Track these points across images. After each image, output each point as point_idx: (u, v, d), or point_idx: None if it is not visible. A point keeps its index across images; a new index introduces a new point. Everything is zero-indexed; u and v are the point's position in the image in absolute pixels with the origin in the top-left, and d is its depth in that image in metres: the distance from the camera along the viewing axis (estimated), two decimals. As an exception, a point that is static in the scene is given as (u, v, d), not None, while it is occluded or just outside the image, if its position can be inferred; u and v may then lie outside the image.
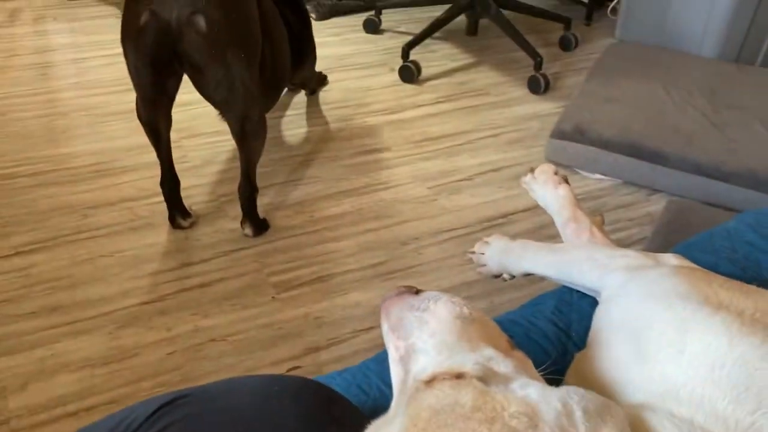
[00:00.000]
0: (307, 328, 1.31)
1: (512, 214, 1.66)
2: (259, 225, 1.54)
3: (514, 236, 1.55)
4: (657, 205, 1.70)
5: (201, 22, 1.16)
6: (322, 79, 2.16)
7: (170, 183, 1.50)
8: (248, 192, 1.50)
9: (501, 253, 0.88)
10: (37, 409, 1.13)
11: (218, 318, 1.32)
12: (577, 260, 0.73)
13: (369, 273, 1.46)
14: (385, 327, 0.56)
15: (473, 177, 1.80)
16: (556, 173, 0.93)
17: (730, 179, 1.66)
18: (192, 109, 1.87)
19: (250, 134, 1.38)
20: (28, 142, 1.81)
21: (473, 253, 0.95)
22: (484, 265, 0.93)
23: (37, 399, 1.14)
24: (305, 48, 1.84)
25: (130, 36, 1.22)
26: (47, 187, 1.64)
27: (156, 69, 1.24)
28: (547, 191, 0.90)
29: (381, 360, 0.70)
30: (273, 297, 1.38)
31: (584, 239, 0.81)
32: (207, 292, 1.38)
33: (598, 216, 0.90)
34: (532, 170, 0.97)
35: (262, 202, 1.62)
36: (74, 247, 1.46)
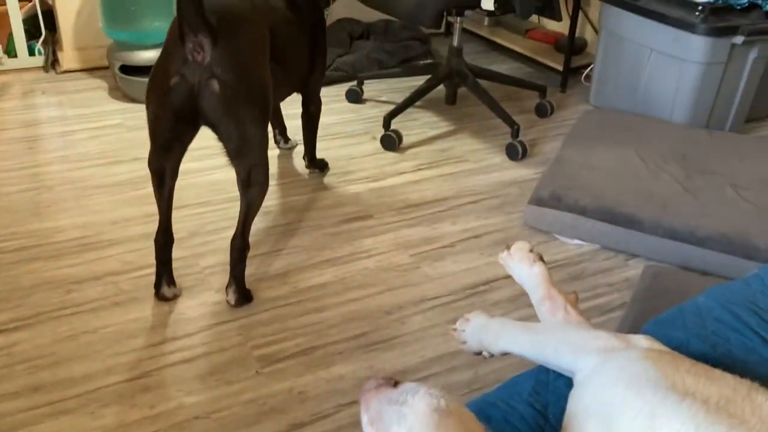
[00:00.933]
0: (292, 402, 1.31)
1: (494, 281, 1.68)
2: (243, 293, 1.56)
3: (496, 303, 1.59)
4: (635, 269, 1.73)
5: (215, 84, 1.37)
6: (323, 165, 2.19)
7: (165, 237, 1.54)
8: (241, 246, 1.54)
9: (480, 331, 0.90)
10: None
11: (202, 394, 1.32)
12: (552, 341, 0.75)
13: (352, 344, 1.47)
14: (364, 419, 0.57)
15: (455, 244, 1.83)
16: (531, 250, 0.96)
17: (704, 244, 1.70)
18: (179, 180, 1.89)
19: (254, 183, 1.50)
20: (13, 216, 1.83)
21: (455, 329, 0.97)
22: (465, 342, 0.95)
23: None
24: (316, 60, 1.95)
25: (158, 93, 1.41)
26: (31, 263, 1.65)
27: (176, 121, 1.42)
28: (523, 269, 0.93)
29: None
30: (257, 371, 1.38)
31: (559, 317, 0.84)
32: (191, 367, 1.38)
33: (572, 294, 0.93)
34: (508, 247, 1.00)
35: (246, 272, 1.64)
36: (57, 324, 1.46)
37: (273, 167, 2.16)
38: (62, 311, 1.50)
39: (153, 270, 1.55)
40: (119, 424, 1.24)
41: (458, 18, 2.35)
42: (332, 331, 1.50)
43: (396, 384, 0.59)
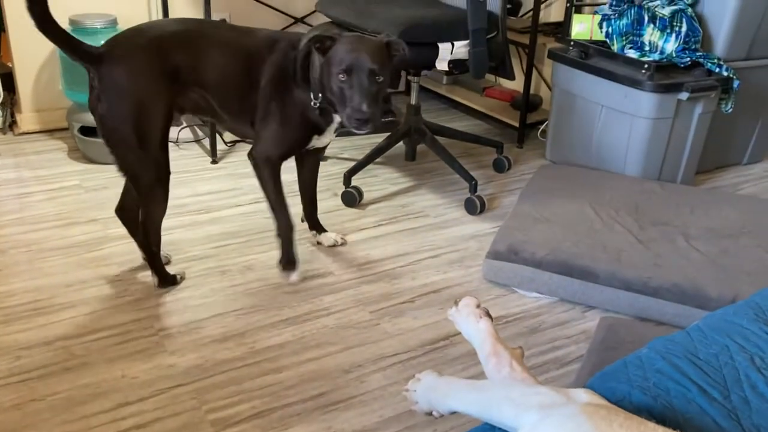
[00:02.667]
0: (246, 468, 1.28)
1: (454, 335, 1.68)
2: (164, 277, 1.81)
3: (456, 359, 1.59)
4: (592, 321, 1.75)
5: (96, 116, 1.64)
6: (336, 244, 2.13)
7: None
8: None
9: (429, 391, 0.90)
10: None
11: (153, 462, 1.28)
12: (496, 399, 0.75)
13: (310, 405, 1.44)
14: None
15: (414, 299, 1.83)
16: (478, 306, 0.97)
17: (657, 294, 1.73)
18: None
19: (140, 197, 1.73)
20: (-37, 281, 1.79)
21: (407, 390, 0.97)
22: (417, 403, 0.94)
23: None
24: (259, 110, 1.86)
25: None
26: (-21, 329, 1.61)
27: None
28: (470, 325, 0.94)
29: None
30: (211, 436, 1.35)
31: (504, 373, 0.84)
32: (142, 434, 1.34)
33: (518, 348, 0.94)
34: (456, 303, 1.01)
35: (201, 335, 1.62)
36: (3, 392, 1.42)
37: (232, 226, 2.16)
38: (9, 378, 1.45)
39: (107, 333, 1.52)
40: (64, 497, 1.19)
41: (415, 77, 2.41)
42: (290, 392, 1.48)
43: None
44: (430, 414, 0.94)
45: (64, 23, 2.51)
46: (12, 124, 2.79)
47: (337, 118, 1.75)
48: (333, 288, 1.87)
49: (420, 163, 2.70)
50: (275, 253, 2.02)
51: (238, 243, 2.07)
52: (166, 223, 1.77)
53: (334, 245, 2.08)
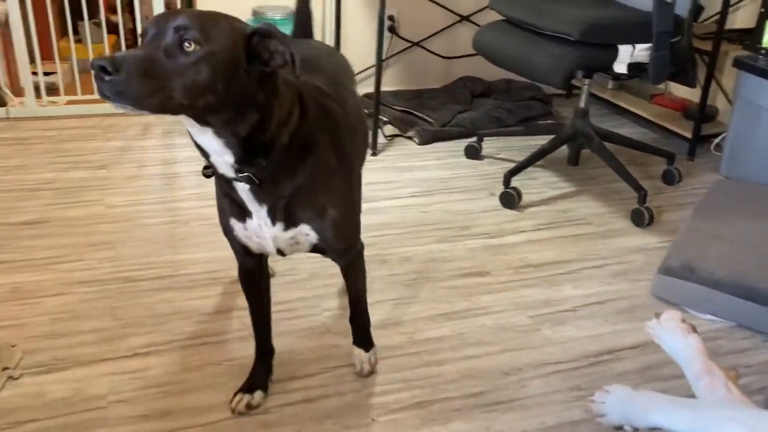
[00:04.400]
0: (408, 456, 1.29)
1: (619, 350, 1.61)
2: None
3: (622, 374, 1.52)
4: (776, 352, 1.61)
5: None
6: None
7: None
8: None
9: (623, 404, 0.86)
10: None
11: (319, 437, 1.32)
12: (718, 419, 0.70)
13: (470, 402, 1.43)
14: None
15: (577, 308, 1.77)
16: (683, 321, 0.91)
17: None
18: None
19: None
20: (152, 247, 1.94)
21: (593, 401, 0.93)
22: (604, 415, 0.90)
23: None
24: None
25: None
26: (166, 292, 1.74)
27: None
28: (675, 339, 0.89)
29: None
30: (373, 419, 1.37)
31: (720, 395, 0.78)
32: (309, 408, 1.40)
33: (733, 371, 0.87)
34: (657, 315, 0.96)
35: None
36: (187, 353, 1.52)
37: (390, 217, 2.19)
38: (193, 341, 1.56)
39: (276, 308, 1.59)
40: (240, 458, 1.26)
41: (586, 80, 2.33)
42: (450, 387, 1.47)
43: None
44: (619, 428, 0.90)
45: (247, 14, 2.67)
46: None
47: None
48: (490, 288, 1.85)
49: (582, 169, 2.61)
50: (432, 247, 2.04)
51: (396, 234, 2.10)
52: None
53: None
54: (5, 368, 1.42)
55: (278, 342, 1.53)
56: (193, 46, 0.91)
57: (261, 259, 1.33)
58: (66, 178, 2.34)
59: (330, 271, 1.86)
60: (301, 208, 1.15)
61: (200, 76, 0.92)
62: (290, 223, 1.15)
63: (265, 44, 0.98)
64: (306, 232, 1.17)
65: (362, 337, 1.53)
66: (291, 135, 1.07)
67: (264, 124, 1.03)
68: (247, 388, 1.40)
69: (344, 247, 1.30)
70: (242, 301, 1.42)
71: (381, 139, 2.78)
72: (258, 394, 1.39)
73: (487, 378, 1.51)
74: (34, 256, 1.87)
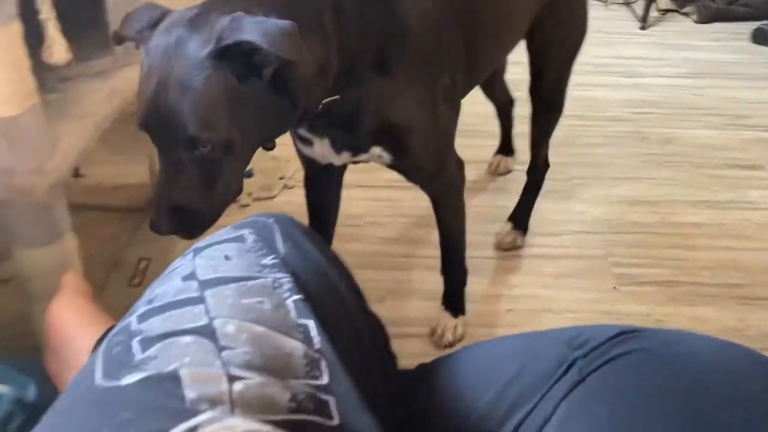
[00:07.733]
0: (648, 326, 1.25)
1: None
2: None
3: None
4: None
5: None
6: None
7: None
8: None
9: None
10: (389, 322, 1.25)
11: (556, 291, 1.33)
12: None
13: (724, 292, 1.34)
14: None
15: None
16: None
17: None
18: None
19: None
20: None
21: None
22: None
23: (390, 314, 1.27)
24: None
25: None
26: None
27: None
28: None
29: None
30: (615, 287, 1.35)
31: None
32: (548, 263, 1.40)
33: None
34: None
35: (611, 192, 1.58)
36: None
37: (654, 95, 2.03)
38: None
39: (521, 167, 1.56)
40: (472, 294, 1.31)
41: None
42: (702, 273, 1.39)
43: None
44: None
45: None
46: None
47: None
48: (761, 183, 1.67)
49: None
50: (700, 132, 1.88)
51: (660, 113, 1.95)
52: (584, 78, 1.72)
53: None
54: (281, 177, 1.59)
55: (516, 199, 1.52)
56: (205, 147, 0.73)
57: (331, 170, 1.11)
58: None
59: (583, 141, 1.79)
60: (366, 131, 0.92)
61: (232, 159, 0.76)
62: (359, 150, 0.96)
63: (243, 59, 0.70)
64: (378, 153, 0.96)
65: (453, 297, 1.23)
66: (335, 75, 0.82)
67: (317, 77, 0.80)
68: None
69: (428, 170, 1.04)
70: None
71: (653, 12, 2.53)
72: None
73: (746, 271, 1.39)
74: None
